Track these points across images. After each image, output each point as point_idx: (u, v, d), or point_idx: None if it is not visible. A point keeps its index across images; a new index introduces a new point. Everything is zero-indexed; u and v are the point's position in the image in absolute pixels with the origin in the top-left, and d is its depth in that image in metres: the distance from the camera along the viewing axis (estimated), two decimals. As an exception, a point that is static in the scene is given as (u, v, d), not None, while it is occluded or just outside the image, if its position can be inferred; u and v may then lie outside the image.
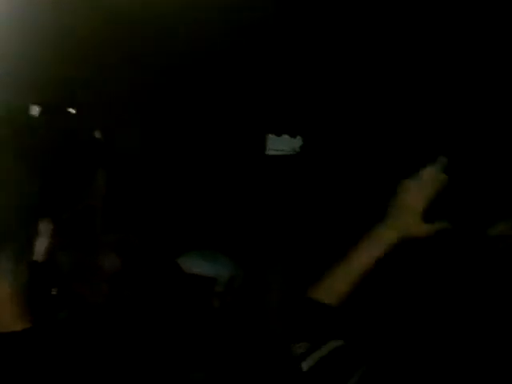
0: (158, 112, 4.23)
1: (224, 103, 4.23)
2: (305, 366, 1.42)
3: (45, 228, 1.02)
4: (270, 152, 4.79)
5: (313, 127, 4.54)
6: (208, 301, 2.59)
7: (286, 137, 4.76)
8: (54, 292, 2.07)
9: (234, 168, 4.31)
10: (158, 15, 3.46)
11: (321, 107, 4.17)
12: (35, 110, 3.43)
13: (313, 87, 4.00)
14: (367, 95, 3.88)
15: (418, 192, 1.47)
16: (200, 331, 2.57)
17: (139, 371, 1.06)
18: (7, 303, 0.94)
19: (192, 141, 4.35)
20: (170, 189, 3.99)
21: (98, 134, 4.30)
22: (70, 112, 3.82)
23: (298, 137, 4.74)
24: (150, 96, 4.13)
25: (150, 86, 4.06)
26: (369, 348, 1.51)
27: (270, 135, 4.77)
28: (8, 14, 3.12)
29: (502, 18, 3.19)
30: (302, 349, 1.44)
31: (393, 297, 1.78)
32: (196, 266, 2.59)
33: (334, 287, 1.47)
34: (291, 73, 3.97)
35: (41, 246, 1.01)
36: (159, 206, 3.85)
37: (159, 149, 4.21)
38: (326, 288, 1.48)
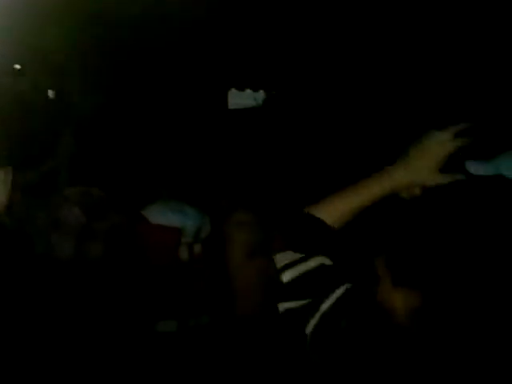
0: (119, 69, 4.17)
1: (187, 58, 4.19)
2: (287, 276, 1.42)
3: (4, 176, 1.01)
4: (232, 106, 4.78)
5: (276, 81, 4.54)
6: (175, 251, 2.61)
7: (248, 91, 4.76)
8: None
9: (197, 121, 4.30)
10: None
11: (285, 60, 4.16)
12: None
13: (276, 41, 3.98)
14: (330, 46, 3.88)
15: (440, 144, 1.48)
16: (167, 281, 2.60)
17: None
18: None
19: (154, 95, 4.31)
20: (135, 142, 3.97)
21: (52, 95, 4.25)
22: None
23: (261, 91, 4.73)
24: (112, 53, 4.07)
25: (111, 45, 4.00)
26: (356, 269, 1.51)
27: (233, 90, 4.76)
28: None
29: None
30: (287, 259, 1.44)
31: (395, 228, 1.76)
32: (163, 216, 2.59)
33: (337, 209, 1.48)
34: (255, 28, 3.94)
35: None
36: (123, 158, 3.84)
37: (122, 104, 4.16)
38: (328, 208, 1.48)
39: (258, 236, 2.29)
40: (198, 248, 2.66)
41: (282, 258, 1.44)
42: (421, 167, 1.48)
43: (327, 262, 1.42)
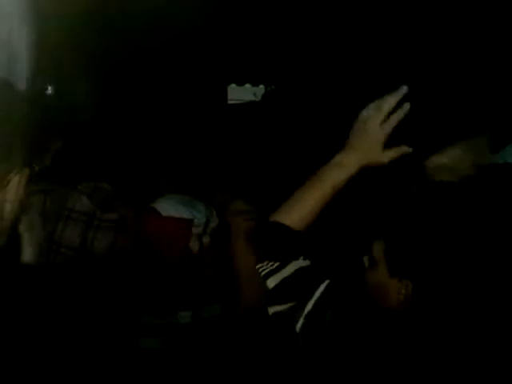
0: (119, 64, 4.20)
1: (187, 53, 4.22)
2: (271, 283, 1.49)
3: (19, 179, 1.02)
4: (231, 101, 4.81)
5: (275, 76, 4.58)
6: (187, 242, 2.65)
7: (248, 86, 4.79)
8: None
9: (198, 116, 4.33)
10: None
11: (285, 55, 4.20)
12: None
13: (276, 37, 4.03)
14: (329, 40, 3.93)
15: (377, 120, 1.48)
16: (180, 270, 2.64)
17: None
18: None
19: (156, 90, 4.35)
20: (138, 137, 4.00)
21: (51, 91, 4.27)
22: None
23: (261, 86, 4.77)
24: (110, 48, 4.09)
25: (108, 40, 4.02)
26: (332, 266, 1.55)
27: (233, 85, 4.79)
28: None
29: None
30: (267, 269, 1.50)
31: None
32: (173, 208, 2.64)
33: (297, 213, 1.50)
34: (254, 23, 3.98)
35: (11, 194, 1.02)
36: (128, 154, 3.87)
37: (124, 99, 4.19)
38: (288, 214, 1.50)
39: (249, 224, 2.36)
40: (206, 239, 2.71)
41: (262, 268, 1.50)
42: (366, 148, 1.50)
43: (303, 264, 1.48)
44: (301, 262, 1.49)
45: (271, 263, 1.50)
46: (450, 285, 1.38)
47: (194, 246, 2.65)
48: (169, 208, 2.64)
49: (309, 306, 1.45)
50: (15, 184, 1.00)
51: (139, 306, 2.51)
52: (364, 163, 1.51)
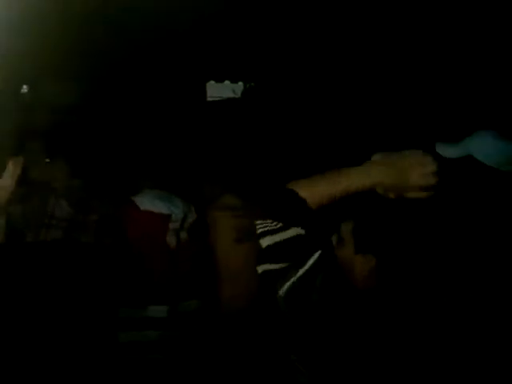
0: (99, 62, 4.20)
1: (165, 50, 4.23)
2: (266, 241, 1.52)
3: (13, 167, 1.03)
4: (211, 98, 4.82)
5: (254, 73, 4.59)
6: (164, 237, 2.67)
7: (227, 83, 4.80)
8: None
9: (177, 113, 4.34)
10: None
11: (264, 52, 4.22)
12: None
13: (255, 33, 4.04)
14: (308, 40, 3.95)
15: (419, 169, 1.51)
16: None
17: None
18: None
19: (134, 87, 4.34)
20: (118, 134, 4.00)
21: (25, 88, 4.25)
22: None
23: (240, 82, 4.78)
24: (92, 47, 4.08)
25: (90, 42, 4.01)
26: (325, 239, 1.61)
27: (212, 81, 4.80)
28: None
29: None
30: (266, 227, 1.53)
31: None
32: (151, 203, 2.65)
33: (318, 191, 1.52)
34: (233, 20, 3.99)
35: (3, 181, 1.04)
36: (107, 150, 3.87)
37: (102, 96, 4.19)
38: (310, 189, 1.53)
39: (245, 221, 2.36)
40: (184, 235, 2.73)
41: (262, 225, 1.54)
42: (397, 177, 1.53)
43: (302, 232, 1.52)
44: (300, 230, 1.52)
45: (273, 223, 1.52)
46: (409, 261, 1.47)
47: (171, 240, 2.67)
48: (147, 202, 2.65)
49: (300, 272, 1.50)
50: (10, 172, 1.02)
51: (116, 299, 2.52)
52: (387, 185, 1.54)
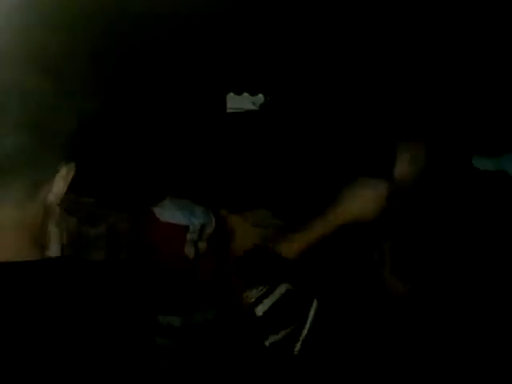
0: (119, 71, 4.23)
1: (185, 62, 4.25)
2: (259, 310, 1.52)
3: (66, 172, 1.02)
4: (231, 110, 4.83)
5: (274, 85, 4.60)
6: (181, 248, 2.67)
7: (246, 95, 4.81)
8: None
9: (198, 124, 4.36)
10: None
11: (284, 64, 4.22)
12: None
13: (275, 45, 4.05)
14: (327, 53, 3.96)
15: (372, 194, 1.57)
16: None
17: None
18: (11, 231, 0.96)
19: (156, 98, 4.37)
20: (140, 143, 4.03)
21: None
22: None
23: (260, 95, 4.79)
24: (111, 55, 4.11)
25: (110, 47, 4.04)
26: (318, 288, 1.61)
27: (231, 93, 4.81)
28: None
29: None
30: (255, 294, 1.53)
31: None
32: (170, 214, 2.66)
33: (296, 246, 1.55)
34: (253, 32, 4.00)
35: (56, 186, 1.03)
36: (130, 159, 3.89)
37: (124, 105, 4.21)
38: (289, 245, 1.56)
39: (262, 230, 2.36)
40: (202, 245, 2.73)
41: (251, 295, 1.53)
42: (362, 208, 1.57)
43: (290, 286, 1.51)
44: (288, 285, 1.52)
45: (259, 288, 1.53)
46: (446, 289, 1.44)
47: (190, 251, 2.67)
48: (166, 213, 2.67)
49: (304, 332, 1.49)
50: (61, 176, 1.01)
51: (132, 308, 2.52)
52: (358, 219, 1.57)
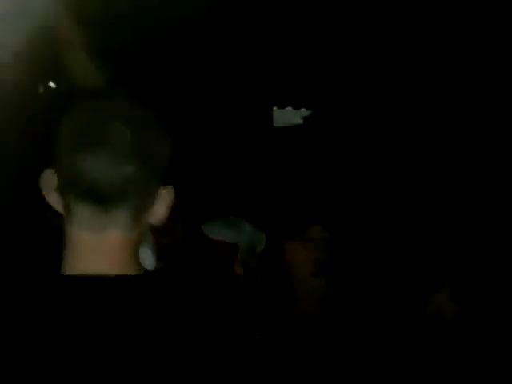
0: (158, 85, 4.26)
1: (229, 78, 4.28)
2: None
3: (166, 195, 1.10)
4: (278, 124, 4.83)
5: (317, 99, 4.59)
6: (231, 266, 2.68)
7: (289, 109, 4.81)
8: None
9: (246, 139, 4.37)
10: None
11: (325, 79, 4.23)
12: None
13: (316, 60, 4.05)
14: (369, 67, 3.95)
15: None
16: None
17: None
18: (116, 250, 1.05)
19: (200, 117, 4.40)
20: (186, 163, 4.05)
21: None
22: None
23: (303, 109, 4.79)
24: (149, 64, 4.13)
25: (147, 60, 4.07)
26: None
27: (274, 107, 4.81)
28: None
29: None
30: None
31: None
32: (220, 232, 2.68)
33: None
34: (294, 46, 4.01)
35: (159, 210, 1.09)
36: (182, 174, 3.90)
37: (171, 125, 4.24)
38: None
39: (323, 254, 2.38)
40: (252, 263, 2.74)
41: None
42: None
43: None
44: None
45: None
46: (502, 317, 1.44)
47: (239, 270, 2.68)
48: (215, 231, 2.68)
49: None
50: (163, 200, 1.10)
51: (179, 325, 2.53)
52: None
